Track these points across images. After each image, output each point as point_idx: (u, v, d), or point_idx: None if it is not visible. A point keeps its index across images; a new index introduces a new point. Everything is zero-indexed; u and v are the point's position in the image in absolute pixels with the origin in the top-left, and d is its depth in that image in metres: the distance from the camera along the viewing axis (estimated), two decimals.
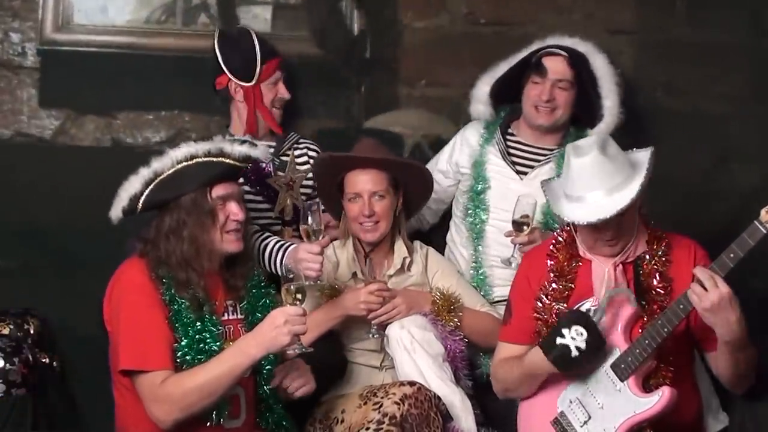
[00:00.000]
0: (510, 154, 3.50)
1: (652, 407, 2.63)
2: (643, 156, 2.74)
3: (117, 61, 3.87)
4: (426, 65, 3.97)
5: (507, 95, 3.54)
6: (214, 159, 2.76)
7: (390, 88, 3.97)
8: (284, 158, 3.50)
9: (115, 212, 2.77)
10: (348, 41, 3.91)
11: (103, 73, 3.85)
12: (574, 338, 2.60)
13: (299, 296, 2.65)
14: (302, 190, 3.48)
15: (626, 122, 3.56)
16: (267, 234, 3.32)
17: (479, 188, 3.49)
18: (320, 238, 3.01)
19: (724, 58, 3.92)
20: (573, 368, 2.67)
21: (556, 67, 3.41)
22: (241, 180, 3.19)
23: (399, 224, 3.32)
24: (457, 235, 3.59)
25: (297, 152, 3.53)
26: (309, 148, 3.59)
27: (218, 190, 2.77)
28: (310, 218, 2.98)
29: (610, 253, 2.78)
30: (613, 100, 3.41)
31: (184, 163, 2.74)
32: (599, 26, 3.92)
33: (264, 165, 3.39)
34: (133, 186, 2.75)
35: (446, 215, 3.74)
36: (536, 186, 3.11)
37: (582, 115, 3.48)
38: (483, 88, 3.54)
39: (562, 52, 3.41)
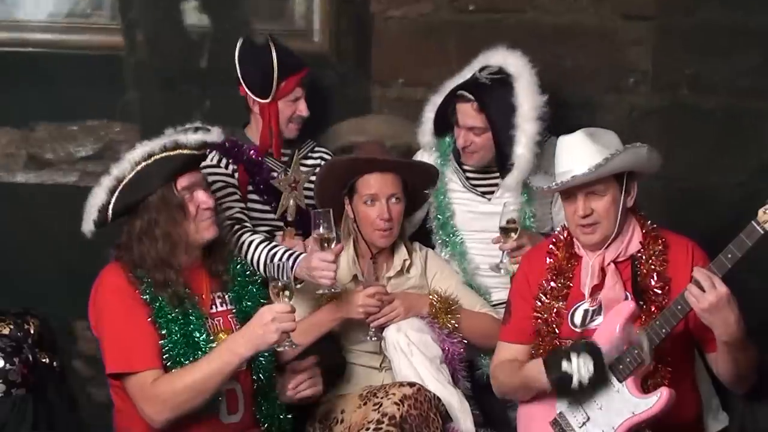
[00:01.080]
0: (468, 179, 3.47)
1: (650, 408, 2.69)
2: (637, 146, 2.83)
3: (34, 62, 3.63)
4: (404, 61, 3.72)
5: (448, 123, 3.42)
6: (172, 153, 2.83)
7: (360, 88, 3.73)
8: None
9: (87, 225, 2.83)
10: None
11: (17, 78, 3.62)
12: (579, 369, 2.68)
13: (287, 293, 2.71)
14: (306, 192, 3.47)
15: (643, 123, 3.44)
16: (274, 243, 3.32)
17: (442, 220, 3.46)
18: (333, 245, 3.05)
19: (762, 45, 3.57)
20: (567, 395, 2.78)
21: (465, 115, 3.32)
22: (250, 188, 3.39)
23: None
24: (441, 251, 3.54)
25: (310, 161, 3.53)
26: (323, 159, 3.56)
27: (182, 182, 2.85)
28: (322, 226, 3.02)
29: (588, 241, 2.89)
30: (525, 145, 3.25)
31: (143, 163, 2.81)
32: (611, 10, 3.66)
33: (275, 174, 3.42)
34: (98, 197, 2.82)
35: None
36: (505, 202, 3.29)
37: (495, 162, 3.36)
38: (428, 115, 3.46)
39: (471, 98, 3.29)
